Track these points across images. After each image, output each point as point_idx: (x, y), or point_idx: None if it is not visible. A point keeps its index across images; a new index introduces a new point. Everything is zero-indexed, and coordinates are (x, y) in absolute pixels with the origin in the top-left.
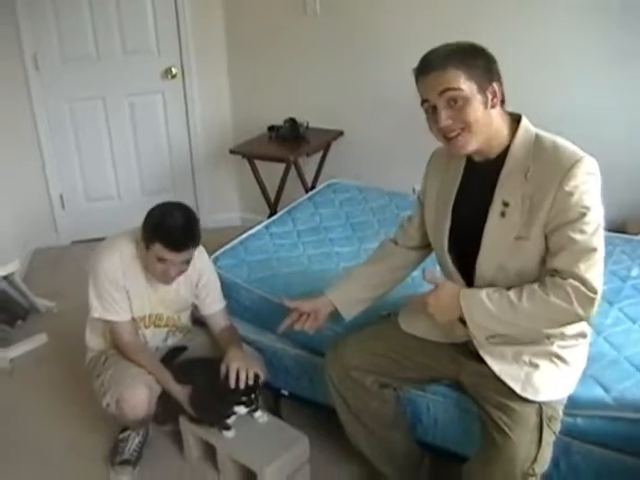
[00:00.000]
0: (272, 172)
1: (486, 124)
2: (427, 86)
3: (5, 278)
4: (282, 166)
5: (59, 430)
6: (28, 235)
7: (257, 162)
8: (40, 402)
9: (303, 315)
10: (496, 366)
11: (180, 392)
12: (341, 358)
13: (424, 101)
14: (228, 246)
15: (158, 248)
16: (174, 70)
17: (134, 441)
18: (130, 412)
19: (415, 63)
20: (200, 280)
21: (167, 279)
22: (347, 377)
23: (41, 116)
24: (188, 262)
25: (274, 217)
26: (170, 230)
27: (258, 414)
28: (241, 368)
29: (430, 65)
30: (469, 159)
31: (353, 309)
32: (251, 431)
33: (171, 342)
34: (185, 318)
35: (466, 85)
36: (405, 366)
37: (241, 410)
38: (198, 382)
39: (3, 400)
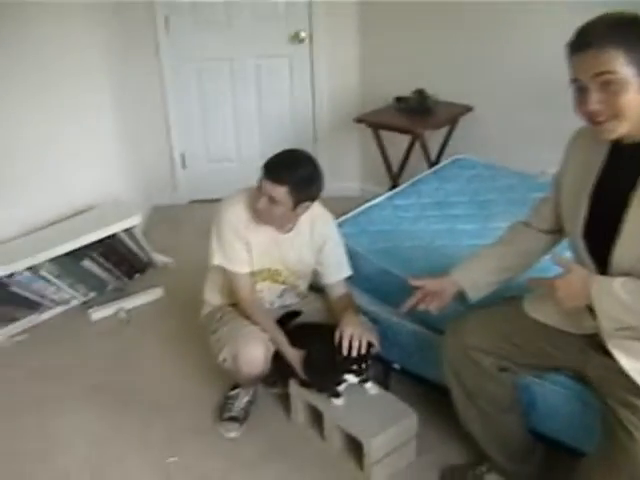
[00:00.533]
0: (396, 144)
1: (638, 110)
2: (581, 65)
3: (126, 231)
4: (407, 138)
5: (171, 381)
6: (149, 192)
7: (382, 133)
8: (154, 353)
9: (428, 294)
10: (625, 361)
11: (293, 355)
12: (461, 336)
13: (574, 80)
14: (350, 214)
15: (263, 181)
16: (302, 34)
17: (243, 399)
18: (246, 368)
19: (551, 38)
20: (325, 245)
21: (258, 213)
22: (465, 356)
23: (169, 77)
24: (277, 202)
25: (398, 189)
26: (272, 158)
27: (368, 385)
28: (355, 335)
29: (587, 42)
30: (616, 141)
31: (480, 291)
32: (360, 401)
33: (287, 301)
34: (303, 284)
35: (625, 69)
36: (527, 351)
37: (351, 378)
38: (312, 347)
39: (119, 349)
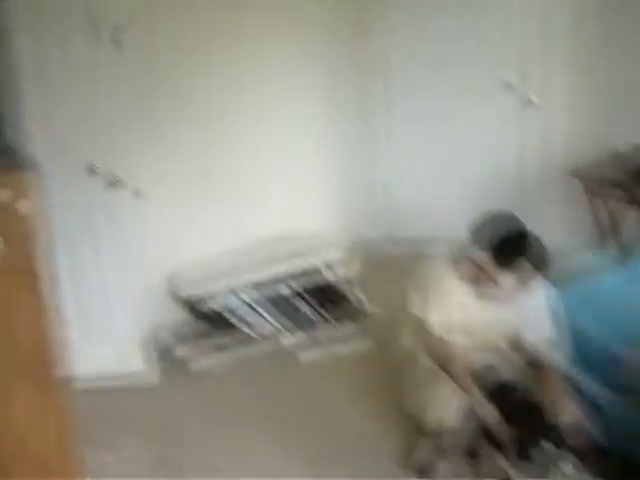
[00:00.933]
0: (608, 200)
1: None
2: None
3: (329, 266)
4: (620, 195)
5: (356, 424)
6: (351, 227)
7: (593, 189)
8: (345, 394)
9: None
10: None
11: (491, 412)
12: None
13: None
14: (572, 286)
15: (484, 256)
16: (512, 82)
17: (430, 451)
18: (437, 420)
19: None
20: (528, 308)
21: (495, 295)
22: None
23: (381, 110)
24: (518, 280)
25: (623, 260)
26: (500, 240)
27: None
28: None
29: None
30: None
31: None
32: None
33: (485, 359)
34: (504, 342)
35: None
36: None
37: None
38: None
39: (322, 391)
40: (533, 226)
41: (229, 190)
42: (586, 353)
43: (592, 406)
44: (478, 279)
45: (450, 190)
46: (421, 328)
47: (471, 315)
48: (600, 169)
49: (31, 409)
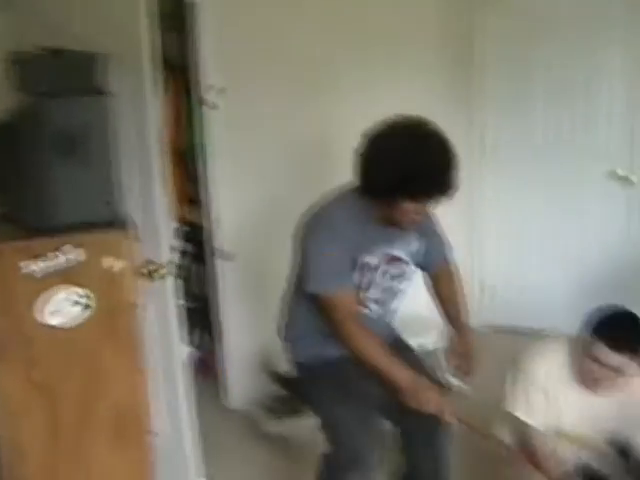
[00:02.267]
0: None
1: None
2: None
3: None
4: None
5: None
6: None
7: None
8: None
9: None
10: None
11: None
12: None
13: None
14: None
15: (598, 347)
16: (620, 171)
17: None
18: None
19: None
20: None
21: (595, 382)
22: None
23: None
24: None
25: None
26: (617, 330)
27: None
28: None
29: None
30: None
31: None
32: None
33: (584, 458)
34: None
35: None
36: None
37: None
38: None
39: None
40: None
41: None
42: None
43: None
44: (597, 379)
45: (557, 280)
46: (520, 429)
47: (577, 417)
48: None
49: (120, 465)
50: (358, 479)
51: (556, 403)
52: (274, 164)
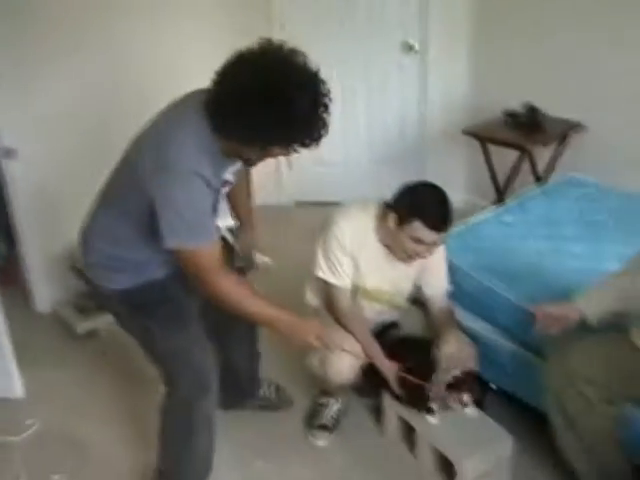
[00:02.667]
0: (503, 157)
1: None
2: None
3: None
4: (514, 153)
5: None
6: (255, 191)
7: (489, 146)
8: None
9: (550, 320)
10: None
11: (388, 368)
12: (567, 365)
13: None
14: (455, 229)
15: (417, 226)
16: (413, 43)
17: (333, 407)
18: (332, 375)
19: None
20: (430, 260)
21: (411, 259)
22: (571, 386)
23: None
24: (437, 245)
25: (505, 205)
26: (433, 209)
27: (468, 410)
28: (454, 358)
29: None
30: None
31: (604, 319)
32: (454, 420)
33: (385, 317)
34: (405, 299)
35: None
36: (633, 383)
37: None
38: (408, 361)
39: None
40: (434, 182)
41: None
42: (469, 292)
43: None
44: (412, 255)
45: (352, 157)
46: (326, 290)
47: (380, 278)
48: (494, 128)
49: None
50: (209, 405)
51: (361, 265)
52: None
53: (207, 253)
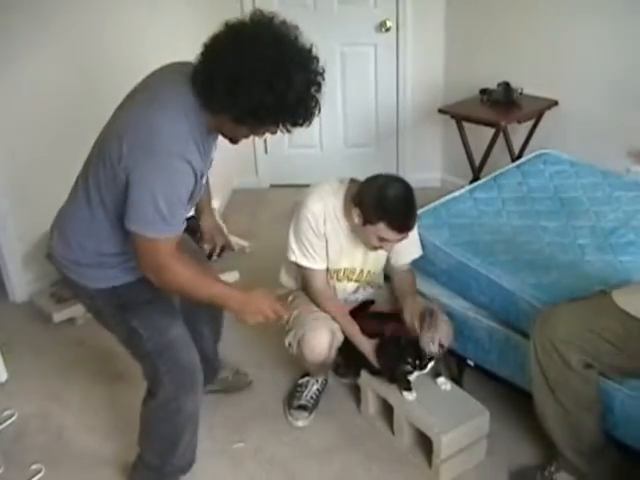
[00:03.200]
0: (479, 136)
1: None
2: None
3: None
4: (490, 131)
5: (243, 366)
6: (231, 175)
7: (465, 124)
8: (227, 337)
9: None
10: None
11: (365, 344)
12: (551, 328)
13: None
14: (430, 206)
15: (382, 228)
16: (389, 23)
17: (312, 388)
18: (310, 354)
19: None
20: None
21: (376, 250)
22: (553, 349)
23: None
24: (404, 239)
25: (480, 182)
26: (398, 211)
27: (441, 380)
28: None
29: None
30: None
31: None
32: (432, 397)
33: (360, 296)
34: (379, 275)
35: None
36: (618, 350)
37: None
38: (384, 336)
39: None
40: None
41: None
42: (444, 269)
43: (460, 323)
44: (379, 247)
45: (328, 139)
46: (301, 273)
47: (353, 256)
48: (469, 106)
49: None
50: (196, 403)
51: (334, 245)
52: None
53: (170, 241)
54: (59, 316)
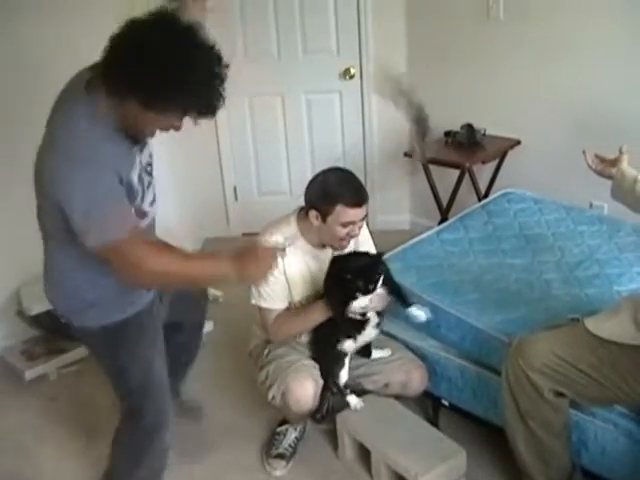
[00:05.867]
0: (445, 177)
1: None
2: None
3: None
4: (456, 172)
5: (218, 415)
6: (202, 224)
7: (431, 167)
8: (201, 386)
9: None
10: None
11: (320, 308)
12: (525, 357)
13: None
14: (398, 249)
15: (340, 210)
16: (352, 70)
17: (291, 436)
18: (295, 405)
19: (598, 72)
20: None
21: (346, 242)
22: (526, 378)
23: (221, 109)
24: (364, 219)
25: (446, 223)
26: (347, 189)
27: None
28: None
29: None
30: None
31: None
32: (408, 438)
33: None
34: None
35: None
36: (592, 380)
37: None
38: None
39: None
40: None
41: None
42: None
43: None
44: (349, 235)
45: (297, 185)
46: (259, 314)
47: (318, 277)
48: (434, 148)
49: None
50: (168, 438)
51: (297, 271)
52: None
53: (129, 239)
54: (31, 373)
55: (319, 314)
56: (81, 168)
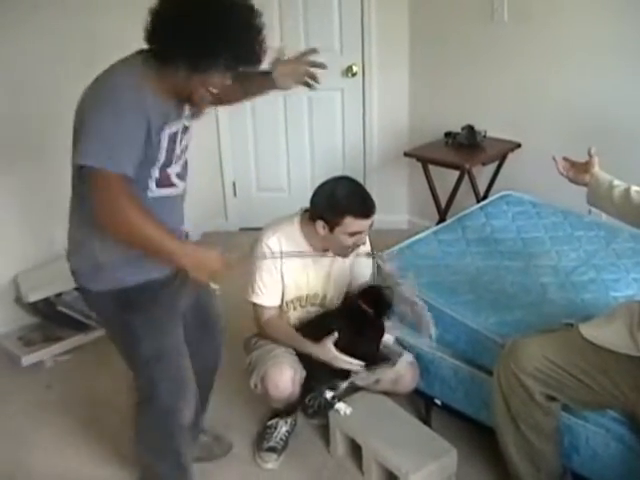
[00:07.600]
0: (445, 178)
1: None
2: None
3: None
4: (455, 173)
5: (211, 409)
6: (199, 218)
7: (430, 167)
8: None
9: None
10: None
11: (320, 347)
12: (517, 361)
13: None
14: (395, 248)
15: (349, 222)
16: (355, 69)
17: (282, 429)
18: (274, 391)
19: (605, 74)
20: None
21: (351, 250)
22: (517, 381)
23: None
24: (371, 227)
25: (444, 224)
26: (356, 201)
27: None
28: None
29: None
30: None
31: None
32: (400, 436)
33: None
34: (339, 297)
35: None
36: (584, 385)
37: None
38: (337, 327)
39: None
40: (378, 204)
41: None
42: None
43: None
44: (355, 244)
45: (296, 182)
46: (254, 310)
47: (314, 279)
48: (434, 149)
49: None
50: (187, 415)
51: (293, 272)
52: None
53: (120, 179)
54: (27, 360)
55: (312, 351)
56: (111, 96)
